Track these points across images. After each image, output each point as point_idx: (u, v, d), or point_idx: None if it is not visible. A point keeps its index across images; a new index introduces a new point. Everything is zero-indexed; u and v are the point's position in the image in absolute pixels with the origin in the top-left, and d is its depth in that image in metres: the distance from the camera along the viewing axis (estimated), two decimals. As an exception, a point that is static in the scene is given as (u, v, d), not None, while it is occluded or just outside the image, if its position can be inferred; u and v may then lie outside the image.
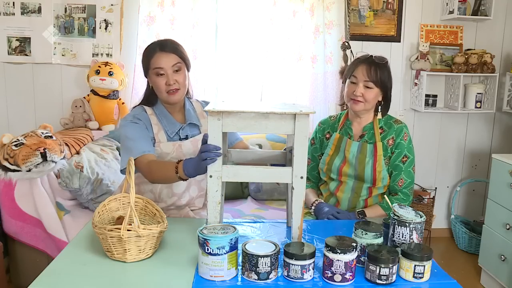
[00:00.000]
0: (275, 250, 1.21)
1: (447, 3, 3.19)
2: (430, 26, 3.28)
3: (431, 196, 3.39)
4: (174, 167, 1.51)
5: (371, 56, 1.81)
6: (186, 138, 1.80)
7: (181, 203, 1.82)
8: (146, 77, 1.78)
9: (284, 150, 1.67)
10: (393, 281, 1.21)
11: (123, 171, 1.67)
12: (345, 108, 1.95)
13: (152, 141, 1.73)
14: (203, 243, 1.18)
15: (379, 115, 1.85)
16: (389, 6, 3.22)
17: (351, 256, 1.18)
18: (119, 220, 1.39)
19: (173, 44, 1.74)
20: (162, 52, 1.69)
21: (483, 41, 3.32)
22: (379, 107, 1.85)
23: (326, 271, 1.20)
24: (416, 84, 3.23)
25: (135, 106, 1.82)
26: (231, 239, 1.19)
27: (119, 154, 2.35)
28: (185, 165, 1.48)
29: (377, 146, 1.81)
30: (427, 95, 3.25)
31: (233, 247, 1.20)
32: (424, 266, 1.21)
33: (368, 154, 1.81)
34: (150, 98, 1.79)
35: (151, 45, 1.75)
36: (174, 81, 1.69)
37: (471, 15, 3.16)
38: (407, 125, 1.87)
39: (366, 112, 1.85)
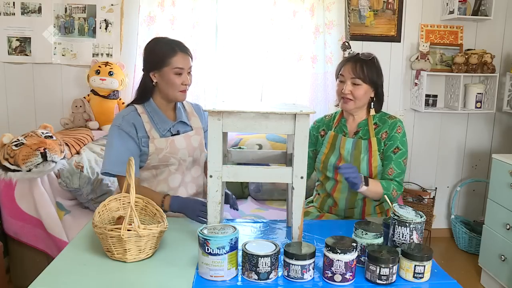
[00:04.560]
0: (275, 250, 1.21)
1: (447, 3, 3.19)
2: (430, 26, 3.28)
3: (431, 196, 3.39)
4: (160, 200, 1.67)
5: (358, 53, 1.83)
6: (178, 133, 1.84)
7: None
8: (152, 72, 1.76)
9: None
10: (393, 281, 1.21)
11: (104, 173, 1.73)
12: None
13: (144, 139, 1.75)
14: (203, 243, 1.18)
15: (372, 112, 1.87)
16: (389, 6, 3.22)
17: (351, 256, 1.18)
18: (119, 220, 1.39)
19: (186, 46, 1.81)
20: (182, 53, 1.75)
21: (483, 41, 3.32)
22: (372, 103, 1.86)
23: (326, 271, 1.20)
24: (416, 84, 3.23)
25: (128, 105, 1.84)
26: (231, 239, 1.19)
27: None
28: (172, 201, 1.67)
29: (371, 142, 1.81)
30: (427, 95, 3.25)
31: (233, 247, 1.20)
32: (424, 266, 1.21)
33: (363, 150, 1.81)
34: (145, 94, 1.81)
35: (168, 44, 1.76)
36: (188, 81, 1.78)
37: (471, 15, 3.16)
38: (402, 121, 1.87)
39: (359, 109, 1.85)
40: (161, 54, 1.74)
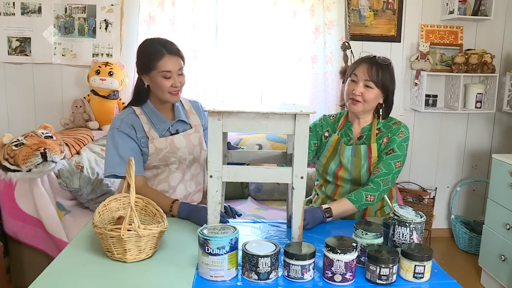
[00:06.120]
0: (275, 250, 1.21)
1: (447, 3, 3.19)
2: (430, 26, 3.28)
3: (431, 196, 3.39)
4: (169, 205, 1.66)
5: (375, 56, 1.77)
6: (177, 132, 1.83)
7: (176, 196, 1.83)
8: (142, 75, 1.76)
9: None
10: (393, 281, 1.21)
11: (108, 176, 1.71)
12: (345, 108, 1.89)
13: (144, 140, 1.75)
14: (203, 243, 1.18)
15: (379, 118, 1.81)
16: (389, 6, 3.23)
17: (351, 256, 1.18)
18: (119, 220, 1.39)
19: (175, 46, 1.77)
20: (170, 55, 1.71)
21: (483, 41, 3.32)
22: (380, 109, 1.79)
23: (326, 271, 1.20)
24: (416, 84, 3.23)
25: (126, 107, 1.84)
26: (231, 239, 1.19)
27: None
28: (181, 208, 1.65)
29: (371, 147, 1.76)
30: (427, 95, 3.25)
31: (233, 247, 1.20)
32: (424, 266, 1.21)
33: (363, 157, 1.76)
34: (140, 96, 1.80)
35: (155, 46, 1.73)
36: (179, 83, 1.74)
37: (471, 15, 3.16)
38: (407, 127, 1.80)
39: (365, 113, 1.80)
40: (148, 57, 1.72)
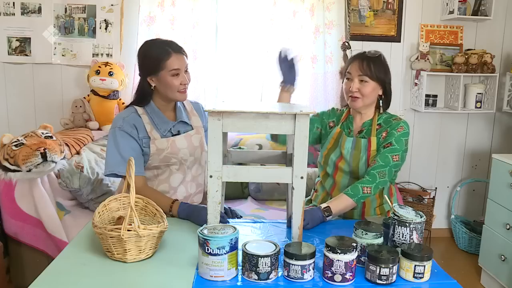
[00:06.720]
0: (275, 250, 1.21)
1: (447, 3, 3.19)
2: (430, 26, 3.28)
3: (431, 196, 3.39)
4: (169, 205, 1.66)
5: (365, 52, 1.83)
6: (178, 133, 1.84)
7: (177, 197, 1.83)
8: (149, 77, 1.76)
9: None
10: (393, 281, 1.21)
11: (108, 175, 1.72)
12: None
13: (145, 140, 1.75)
14: (203, 243, 1.18)
15: (381, 110, 1.85)
16: (389, 6, 3.23)
17: (351, 256, 1.18)
18: (119, 220, 1.39)
19: (179, 45, 1.79)
20: (176, 54, 1.74)
21: (483, 41, 3.32)
22: (381, 101, 1.83)
23: (326, 271, 1.20)
24: (416, 84, 3.23)
25: (127, 106, 1.84)
26: (231, 239, 1.19)
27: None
28: (181, 208, 1.65)
29: (371, 141, 1.79)
30: (427, 95, 3.25)
31: (233, 247, 1.20)
32: (424, 266, 1.21)
33: (363, 150, 1.79)
34: (144, 98, 1.80)
35: (160, 47, 1.74)
36: (187, 80, 1.77)
37: (471, 15, 3.16)
38: (408, 123, 1.83)
39: (367, 108, 1.84)
40: (155, 58, 1.72)
